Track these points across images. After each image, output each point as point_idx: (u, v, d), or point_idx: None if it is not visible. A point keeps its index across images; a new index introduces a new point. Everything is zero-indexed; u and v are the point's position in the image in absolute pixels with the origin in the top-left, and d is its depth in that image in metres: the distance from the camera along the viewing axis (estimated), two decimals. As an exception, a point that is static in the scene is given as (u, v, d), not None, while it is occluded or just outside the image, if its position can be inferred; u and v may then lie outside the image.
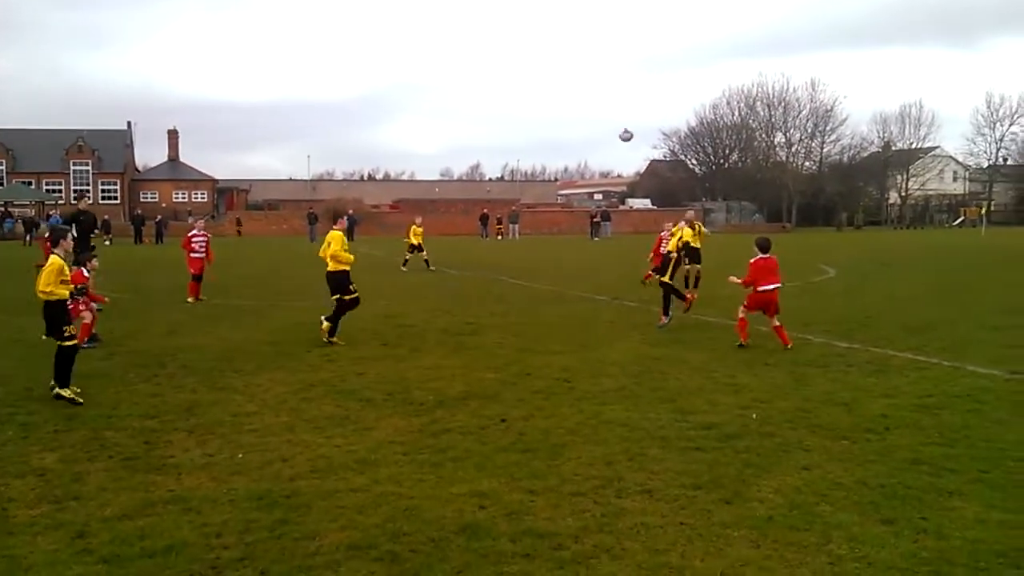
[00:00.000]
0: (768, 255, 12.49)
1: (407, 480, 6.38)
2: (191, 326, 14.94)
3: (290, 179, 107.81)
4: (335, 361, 11.42)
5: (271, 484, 6.33)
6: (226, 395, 9.41)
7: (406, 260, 28.66)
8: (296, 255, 37.97)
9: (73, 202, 79.29)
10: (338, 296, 12.98)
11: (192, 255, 19.32)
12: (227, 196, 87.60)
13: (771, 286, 12.36)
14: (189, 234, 19.91)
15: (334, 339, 12.81)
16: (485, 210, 65.16)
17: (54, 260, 9.00)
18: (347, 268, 13.12)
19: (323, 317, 13.06)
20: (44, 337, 9.42)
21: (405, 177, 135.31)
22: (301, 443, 7.45)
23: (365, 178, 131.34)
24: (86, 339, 11.95)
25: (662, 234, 17.79)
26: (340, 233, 13.22)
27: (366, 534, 5.32)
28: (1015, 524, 5.46)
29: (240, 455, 7.10)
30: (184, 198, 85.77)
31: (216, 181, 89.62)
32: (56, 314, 9.01)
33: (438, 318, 15.88)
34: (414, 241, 28.54)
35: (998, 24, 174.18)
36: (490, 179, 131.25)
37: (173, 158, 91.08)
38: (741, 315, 12.63)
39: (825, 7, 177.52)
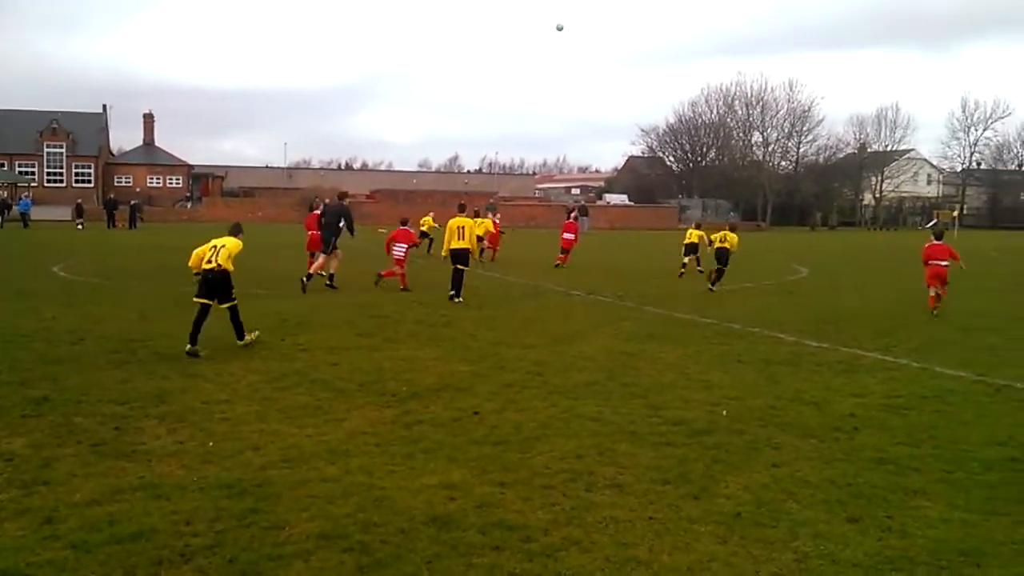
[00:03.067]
0: (939, 242, 17.15)
1: (378, 471, 6.39)
2: (163, 312, 14.81)
3: (266, 166, 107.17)
4: (309, 351, 11.38)
5: (242, 473, 6.32)
6: (198, 383, 9.36)
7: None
8: (272, 244, 37.71)
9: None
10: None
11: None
12: (202, 182, 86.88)
13: (936, 261, 16.80)
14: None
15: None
16: (462, 202, 64.69)
17: (237, 242, 11.70)
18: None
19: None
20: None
21: (383, 167, 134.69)
22: (272, 432, 7.43)
23: (342, 167, 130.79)
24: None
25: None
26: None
27: (336, 524, 5.33)
28: (976, 523, 5.55)
29: (211, 443, 7.07)
30: (159, 183, 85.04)
31: (191, 167, 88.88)
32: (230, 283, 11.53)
33: (412, 309, 15.85)
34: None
35: (972, 30, 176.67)
36: (468, 171, 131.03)
37: (148, 142, 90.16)
38: (931, 293, 16.86)
39: (803, 8, 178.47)
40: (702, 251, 24.62)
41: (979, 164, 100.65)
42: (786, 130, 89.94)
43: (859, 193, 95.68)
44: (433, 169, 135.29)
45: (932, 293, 16.84)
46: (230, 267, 11.33)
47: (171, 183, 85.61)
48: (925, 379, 10.28)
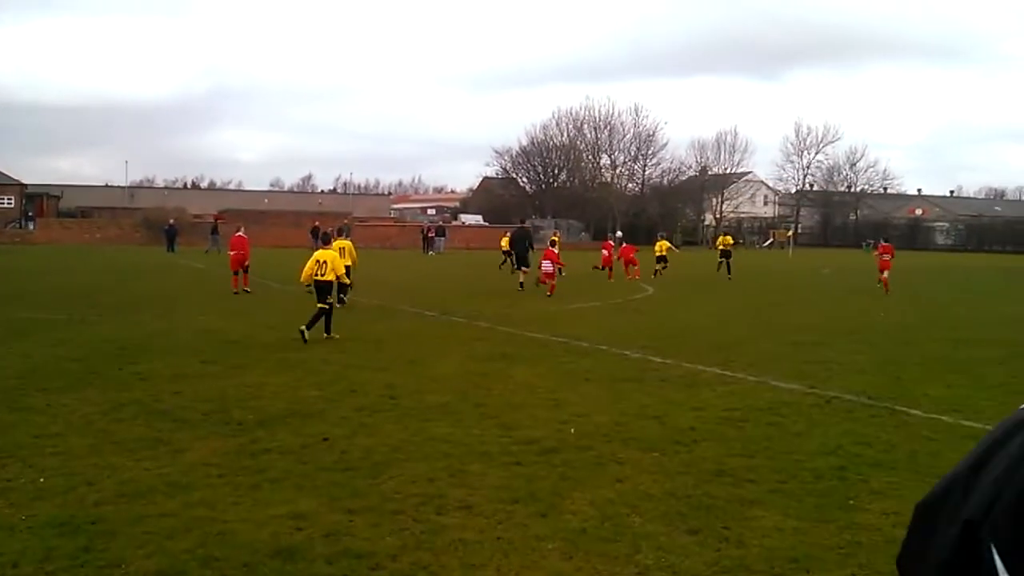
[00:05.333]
0: (886, 244, 29.31)
1: (221, 503, 6.19)
2: (-11, 342, 13.91)
3: (106, 185, 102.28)
4: (149, 379, 10.92)
5: (75, 510, 6.00)
6: (27, 416, 8.81)
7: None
8: (113, 267, 36.06)
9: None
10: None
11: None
12: (36, 202, 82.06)
13: (885, 256, 28.34)
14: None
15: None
16: (316, 222, 63.91)
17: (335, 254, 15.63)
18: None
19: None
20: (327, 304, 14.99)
21: (232, 186, 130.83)
22: (108, 466, 7.09)
23: (188, 186, 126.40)
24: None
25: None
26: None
27: (175, 560, 5.13)
28: (807, 531, 5.84)
29: (41, 479, 6.68)
30: (-12, 203, 79.72)
31: (25, 186, 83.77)
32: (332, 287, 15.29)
33: (262, 334, 15.47)
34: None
35: (794, 59, 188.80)
36: (322, 191, 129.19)
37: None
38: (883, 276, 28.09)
39: (643, 37, 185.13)
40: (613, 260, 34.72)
41: (812, 186, 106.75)
42: (632, 153, 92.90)
43: (701, 214, 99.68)
44: (286, 188, 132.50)
45: (884, 276, 28.01)
46: (336, 276, 15.18)
47: (3, 204, 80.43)
48: (761, 392, 10.79)
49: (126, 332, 15.30)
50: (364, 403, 9.69)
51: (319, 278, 15.03)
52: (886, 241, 29.83)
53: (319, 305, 14.89)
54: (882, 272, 28.17)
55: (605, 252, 34.98)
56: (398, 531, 5.69)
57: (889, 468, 7.42)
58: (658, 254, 35.96)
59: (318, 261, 15.12)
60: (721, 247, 35.76)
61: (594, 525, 5.86)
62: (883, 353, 14.33)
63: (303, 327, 14.36)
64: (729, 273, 34.20)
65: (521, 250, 26.81)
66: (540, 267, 25.66)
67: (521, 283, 26.17)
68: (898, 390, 10.99)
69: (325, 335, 14.65)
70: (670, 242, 38.76)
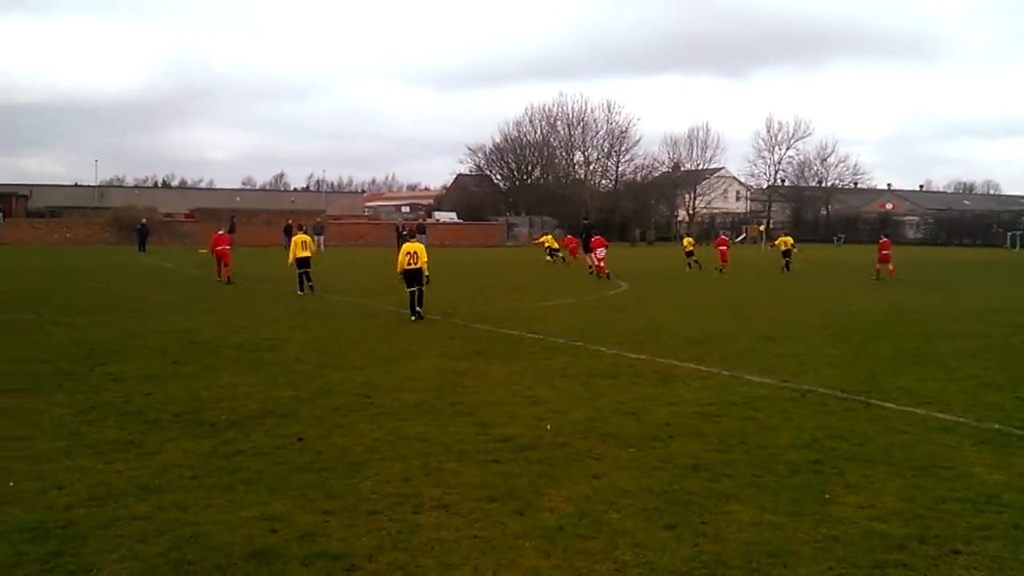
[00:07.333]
0: (885, 239, 33.10)
1: (194, 506, 6.11)
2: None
3: (76, 184, 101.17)
4: (120, 381, 10.78)
5: (44, 514, 5.90)
6: (-5, 419, 8.68)
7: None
8: (84, 267, 35.63)
9: None
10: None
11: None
12: (5, 202, 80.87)
13: (884, 251, 32.13)
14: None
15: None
16: (290, 221, 63.43)
17: (423, 247, 17.59)
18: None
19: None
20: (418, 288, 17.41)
21: (203, 185, 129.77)
22: (79, 469, 6.98)
23: (159, 185, 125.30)
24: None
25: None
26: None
27: (147, 564, 5.05)
28: (784, 525, 5.85)
29: (11, 483, 6.57)
30: (-48, 203, 78.44)
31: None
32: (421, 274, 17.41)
33: (235, 333, 15.33)
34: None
35: (763, 57, 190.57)
36: (295, 189, 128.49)
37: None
38: (887, 268, 31.82)
39: (610, 36, 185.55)
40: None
41: (783, 181, 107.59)
42: (605, 150, 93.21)
43: (674, 209, 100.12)
44: (258, 187, 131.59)
45: (887, 268, 31.66)
46: (424, 266, 17.19)
47: (-33, 203, 79.20)
48: (735, 386, 10.83)
49: (97, 333, 15.11)
50: (339, 403, 9.62)
51: (409, 267, 17.19)
52: (886, 236, 34.29)
53: (409, 290, 17.37)
54: (887, 264, 31.88)
55: (723, 248, 38.48)
56: (374, 531, 5.64)
57: (864, 461, 7.46)
58: (687, 249, 39.39)
59: (408, 253, 17.31)
60: (783, 248, 37.99)
61: (571, 522, 5.84)
62: (855, 347, 14.43)
63: (412, 317, 17.27)
64: (788, 269, 36.89)
65: (587, 240, 34.66)
66: (595, 254, 31.95)
67: (590, 267, 33.38)
68: (871, 383, 11.06)
69: (412, 317, 17.28)
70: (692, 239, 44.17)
